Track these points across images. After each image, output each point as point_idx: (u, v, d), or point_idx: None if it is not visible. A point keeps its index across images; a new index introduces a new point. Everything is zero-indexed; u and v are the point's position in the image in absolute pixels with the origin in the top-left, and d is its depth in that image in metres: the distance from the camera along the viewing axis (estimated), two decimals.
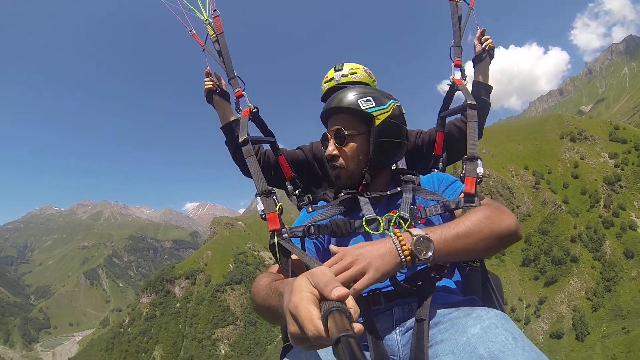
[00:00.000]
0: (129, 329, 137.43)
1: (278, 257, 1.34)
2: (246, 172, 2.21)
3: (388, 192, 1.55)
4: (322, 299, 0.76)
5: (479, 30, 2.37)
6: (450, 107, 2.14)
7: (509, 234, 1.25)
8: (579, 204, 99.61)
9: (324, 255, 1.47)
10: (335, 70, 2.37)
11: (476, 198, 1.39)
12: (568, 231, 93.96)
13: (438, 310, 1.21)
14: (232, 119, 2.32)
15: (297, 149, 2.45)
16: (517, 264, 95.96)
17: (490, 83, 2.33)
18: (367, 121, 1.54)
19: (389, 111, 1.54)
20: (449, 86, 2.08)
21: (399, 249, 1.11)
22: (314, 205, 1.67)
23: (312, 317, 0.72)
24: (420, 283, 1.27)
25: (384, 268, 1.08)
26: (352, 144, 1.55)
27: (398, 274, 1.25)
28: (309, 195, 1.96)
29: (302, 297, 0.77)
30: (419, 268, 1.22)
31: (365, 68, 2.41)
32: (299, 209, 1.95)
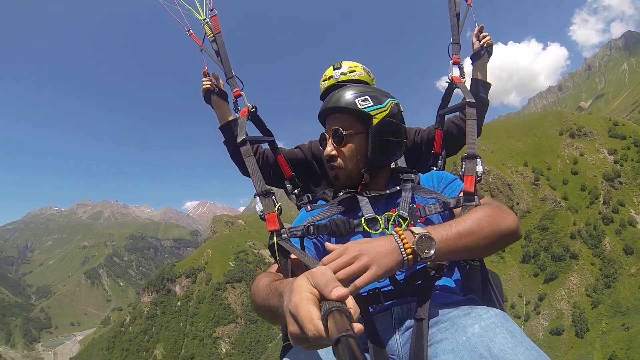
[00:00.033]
0: (130, 328, 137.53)
1: (277, 258, 1.34)
2: (245, 172, 2.20)
3: (387, 191, 1.54)
4: (322, 299, 0.76)
5: (477, 27, 2.35)
6: (449, 105, 2.12)
7: (510, 233, 1.26)
8: (579, 201, 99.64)
9: (324, 255, 1.39)
10: (334, 69, 2.36)
11: (476, 196, 1.39)
12: (568, 228, 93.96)
13: (437, 310, 1.21)
14: (230, 118, 2.31)
15: (295, 148, 2.44)
16: (517, 261, 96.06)
17: (489, 80, 2.31)
18: (365, 121, 1.53)
19: (387, 110, 1.53)
20: (447, 84, 2.06)
21: (401, 247, 1.10)
22: (313, 205, 1.66)
23: (312, 317, 0.72)
24: (419, 282, 1.27)
25: (386, 265, 1.08)
26: (350, 144, 1.54)
27: (397, 273, 1.25)
28: (308, 195, 1.96)
29: (302, 297, 0.77)
30: (418, 267, 1.22)
31: (364, 66, 2.40)
32: (299, 208, 1.95)
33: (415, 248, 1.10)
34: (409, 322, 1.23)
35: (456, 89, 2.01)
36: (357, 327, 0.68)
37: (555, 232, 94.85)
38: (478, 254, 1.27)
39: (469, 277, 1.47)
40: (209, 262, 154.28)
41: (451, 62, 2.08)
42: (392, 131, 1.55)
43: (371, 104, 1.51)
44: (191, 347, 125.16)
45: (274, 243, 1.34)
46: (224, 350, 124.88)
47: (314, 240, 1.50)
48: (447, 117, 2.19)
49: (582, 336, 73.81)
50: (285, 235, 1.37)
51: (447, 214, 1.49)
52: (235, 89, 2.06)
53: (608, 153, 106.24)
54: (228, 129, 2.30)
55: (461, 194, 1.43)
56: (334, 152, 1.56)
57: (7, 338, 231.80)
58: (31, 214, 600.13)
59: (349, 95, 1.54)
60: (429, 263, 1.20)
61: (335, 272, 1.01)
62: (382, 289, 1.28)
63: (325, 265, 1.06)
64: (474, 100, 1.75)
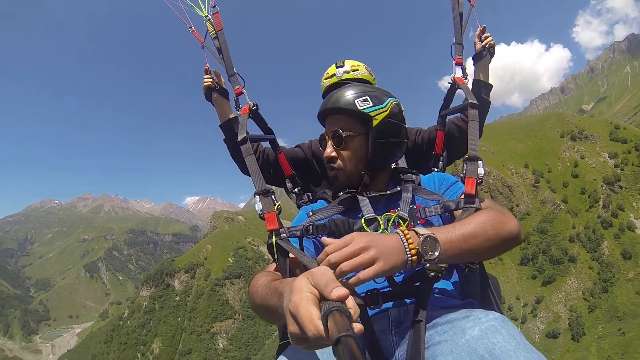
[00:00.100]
0: (128, 322, 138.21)
1: (276, 257, 1.33)
2: (245, 171, 2.17)
3: (388, 192, 1.53)
4: (322, 299, 0.76)
5: (480, 28, 2.33)
6: (451, 106, 2.09)
7: (512, 237, 1.26)
8: (578, 204, 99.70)
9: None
10: (337, 67, 2.34)
11: (476, 199, 1.38)
12: (567, 231, 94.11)
13: (435, 312, 1.21)
14: (231, 116, 2.30)
15: (296, 147, 2.43)
16: (516, 263, 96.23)
17: (491, 80, 2.29)
18: (365, 122, 1.50)
19: (387, 110, 1.51)
20: (450, 84, 2.03)
21: (406, 247, 1.09)
22: (313, 206, 1.65)
23: (312, 317, 0.72)
24: (418, 284, 1.26)
25: (392, 262, 1.06)
26: (350, 146, 1.52)
27: (396, 274, 1.25)
28: (309, 194, 1.96)
29: (302, 297, 0.77)
30: (417, 268, 1.19)
31: (366, 66, 2.38)
32: (298, 207, 1.93)
33: (419, 249, 1.09)
34: (406, 324, 1.23)
35: (458, 90, 2.00)
36: (357, 327, 0.68)
37: (554, 235, 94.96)
38: (480, 257, 1.27)
39: (467, 280, 1.46)
40: (208, 258, 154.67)
41: (454, 62, 2.06)
42: (392, 132, 1.53)
43: (371, 104, 1.49)
44: (189, 342, 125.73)
45: (272, 242, 1.33)
46: (221, 345, 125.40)
47: (313, 240, 1.48)
48: (448, 118, 2.16)
49: (578, 340, 74.01)
50: (284, 234, 1.36)
51: (448, 215, 1.48)
52: (236, 87, 2.04)
53: (609, 157, 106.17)
54: (228, 127, 2.29)
55: (462, 196, 1.41)
56: (333, 154, 1.54)
57: (5, 330, 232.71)
58: (32, 206, 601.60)
59: (348, 95, 1.51)
60: (429, 265, 1.19)
61: (339, 262, 1.02)
62: (380, 290, 1.26)
63: (329, 253, 1.05)
64: (476, 102, 1.73)
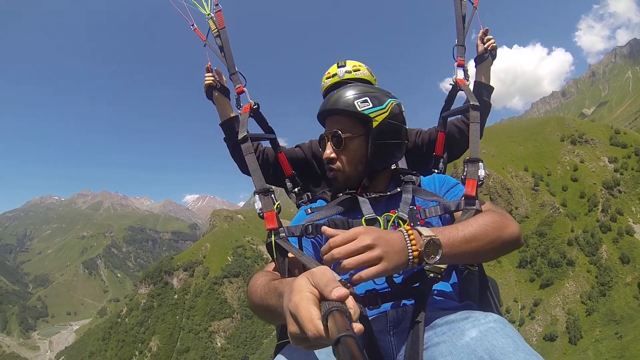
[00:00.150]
0: (127, 319, 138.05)
1: (275, 256, 1.32)
2: (244, 170, 2.21)
3: (388, 193, 1.52)
4: (322, 299, 0.76)
5: (482, 30, 2.34)
6: (452, 107, 2.09)
7: (513, 240, 1.26)
8: (577, 208, 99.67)
9: (322, 254, 1.36)
10: (338, 67, 2.34)
11: (477, 201, 1.38)
12: (565, 234, 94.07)
13: (434, 314, 1.20)
14: (231, 115, 2.30)
15: (296, 147, 2.43)
16: (514, 265, 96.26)
17: (492, 83, 2.29)
18: (365, 123, 1.49)
19: (387, 111, 1.50)
20: (451, 86, 2.05)
21: (409, 247, 1.08)
22: (312, 206, 1.62)
23: (312, 317, 0.71)
24: (417, 285, 1.25)
25: (395, 262, 1.05)
26: (349, 147, 1.51)
27: (395, 275, 1.25)
28: (308, 194, 1.96)
29: (302, 297, 0.76)
30: (416, 269, 1.18)
31: (367, 66, 2.39)
32: (298, 207, 1.93)
33: (422, 251, 1.08)
34: (404, 325, 1.22)
35: (459, 92, 2.01)
36: (357, 327, 0.68)
37: (552, 238, 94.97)
38: (481, 259, 1.27)
39: (466, 282, 1.45)
40: (207, 256, 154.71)
41: (455, 64, 2.07)
42: (392, 133, 1.52)
43: (371, 105, 1.48)
44: (187, 340, 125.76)
45: (271, 241, 1.32)
46: (219, 344, 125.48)
47: (313, 240, 1.48)
48: (449, 119, 2.16)
49: (576, 343, 74.03)
50: (284, 234, 1.35)
51: (447, 217, 1.48)
52: (238, 85, 2.04)
53: (608, 161, 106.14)
54: (229, 126, 2.29)
55: (462, 197, 1.41)
56: (332, 155, 1.53)
57: (3, 326, 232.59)
58: (31, 202, 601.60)
59: (348, 96, 1.50)
60: (428, 266, 1.18)
61: (343, 258, 1.01)
62: (379, 291, 1.26)
63: (332, 247, 1.04)
64: (478, 104, 1.73)
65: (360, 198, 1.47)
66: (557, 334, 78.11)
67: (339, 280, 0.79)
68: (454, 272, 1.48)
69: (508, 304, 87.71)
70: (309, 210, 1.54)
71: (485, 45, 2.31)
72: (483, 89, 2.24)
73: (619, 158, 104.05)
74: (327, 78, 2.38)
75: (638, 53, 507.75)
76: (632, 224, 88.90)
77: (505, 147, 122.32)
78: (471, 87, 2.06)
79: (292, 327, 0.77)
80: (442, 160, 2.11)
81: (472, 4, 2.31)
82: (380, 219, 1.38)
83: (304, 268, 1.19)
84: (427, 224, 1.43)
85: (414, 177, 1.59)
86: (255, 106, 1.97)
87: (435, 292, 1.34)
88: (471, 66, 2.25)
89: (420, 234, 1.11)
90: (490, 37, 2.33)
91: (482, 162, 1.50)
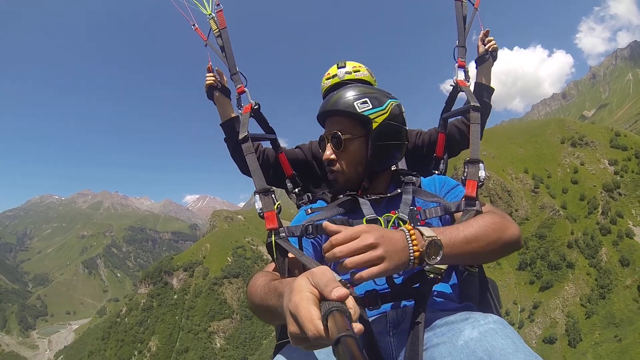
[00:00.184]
0: (126, 319, 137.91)
1: (275, 256, 1.32)
2: (244, 170, 2.22)
3: (388, 194, 1.52)
4: (322, 299, 0.76)
5: (483, 32, 2.34)
6: (453, 108, 2.08)
7: (513, 242, 1.26)
8: (577, 210, 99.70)
9: (322, 255, 1.37)
10: (338, 67, 2.34)
11: (477, 201, 1.38)
12: (565, 237, 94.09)
13: (434, 314, 1.20)
14: (232, 115, 2.30)
15: (296, 148, 2.43)
16: (514, 268, 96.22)
17: (493, 84, 2.29)
18: (364, 124, 1.49)
19: (387, 112, 1.49)
20: (452, 87, 2.03)
21: (410, 247, 1.08)
22: (313, 206, 1.63)
23: (312, 317, 0.71)
24: (417, 285, 1.25)
25: (397, 262, 1.05)
26: (349, 148, 1.51)
27: (395, 275, 1.25)
28: (309, 194, 1.96)
29: (302, 297, 0.76)
30: (416, 269, 1.17)
31: (367, 67, 2.39)
32: (298, 207, 1.93)
33: (423, 252, 1.08)
34: (404, 326, 1.22)
35: (460, 93, 2.00)
36: (357, 327, 0.68)
37: (552, 241, 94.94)
38: (481, 260, 1.27)
39: (466, 284, 1.45)
40: (207, 257, 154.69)
41: (456, 65, 2.06)
42: (392, 134, 1.52)
43: (370, 106, 1.48)
44: (186, 341, 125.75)
45: (271, 241, 1.32)
46: (218, 345, 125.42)
47: (313, 240, 1.48)
48: (449, 120, 2.16)
49: (575, 346, 74.02)
50: (284, 234, 1.34)
51: (448, 218, 1.48)
52: (239, 85, 2.04)
53: (609, 163, 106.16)
54: (229, 126, 2.29)
55: (463, 198, 1.41)
56: (332, 156, 1.53)
57: (2, 324, 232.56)
58: (31, 201, 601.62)
59: (347, 97, 1.50)
60: (428, 267, 1.17)
61: (345, 257, 1.01)
62: (379, 291, 1.25)
63: (334, 244, 1.03)
64: (478, 105, 1.72)
65: (360, 199, 1.47)
66: (556, 336, 78.07)
67: (339, 281, 0.79)
68: (453, 273, 1.47)
69: (507, 307, 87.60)
70: (309, 211, 1.55)
71: (486, 47, 2.31)
72: (483, 90, 2.23)
73: (619, 160, 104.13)
74: (327, 79, 2.37)
75: (639, 55, 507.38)
76: (632, 227, 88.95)
77: (505, 149, 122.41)
78: (472, 88, 2.06)
79: (292, 327, 0.77)
80: (442, 161, 2.10)
81: (473, 5, 2.30)
82: (381, 219, 1.38)
83: (303, 268, 1.19)
84: (427, 225, 1.43)
85: (414, 178, 1.59)
86: (256, 106, 1.96)
87: (435, 293, 1.34)
88: (472, 67, 2.24)
89: (422, 234, 1.10)
90: (491, 38, 2.33)
91: (482, 163, 1.49)
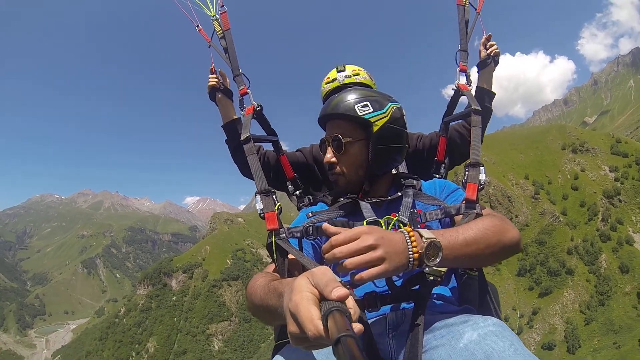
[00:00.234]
0: (124, 320, 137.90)
1: (275, 257, 1.33)
2: (245, 172, 2.22)
3: (389, 197, 1.53)
4: (322, 299, 0.76)
5: (485, 36, 2.35)
6: (454, 112, 2.10)
7: (512, 245, 1.26)
8: (577, 216, 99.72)
9: (321, 257, 1.34)
10: (338, 71, 2.34)
11: (477, 205, 1.38)
12: (565, 243, 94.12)
13: (433, 317, 1.20)
14: (233, 117, 2.30)
15: (297, 151, 2.44)
16: (513, 274, 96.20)
17: (494, 89, 2.29)
18: (365, 127, 1.50)
19: (387, 115, 1.50)
20: (453, 91, 2.05)
21: (410, 248, 1.08)
22: (313, 209, 1.64)
23: (312, 317, 0.71)
24: (416, 287, 1.26)
25: (396, 264, 1.05)
26: (350, 151, 1.52)
27: (395, 277, 1.26)
28: (309, 197, 2.00)
29: (302, 296, 0.76)
30: (415, 271, 1.17)
31: (367, 71, 2.39)
32: (299, 209, 1.94)
33: (422, 253, 1.08)
34: (403, 328, 1.22)
35: (461, 97, 2.01)
36: (357, 327, 0.67)
37: (552, 247, 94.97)
38: (480, 262, 1.27)
39: (465, 287, 1.45)
40: (206, 259, 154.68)
41: (458, 69, 2.08)
42: (393, 137, 1.52)
43: (371, 109, 1.48)
44: (184, 343, 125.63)
45: (272, 242, 1.33)
46: (216, 347, 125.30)
47: (312, 242, 1.48)
48: (450, 124, 2.17)
49: (574, 352, 73.99)
50: (284, 235, 1.35)
51: (448, 221, 1.48)
52: (241, 87, 2.05)
53: (609, 170, 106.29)
54: (231, 128, 2.28)
55: (463, 201, 1.41)
56: (333, 159, 1.54)
57: (0, 322, 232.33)
58: (32, 200, 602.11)
59: (348, 100, 1.51)
60: (428, 269, 1.18)
61: (344, 258, 1.01)
62: (378, 293, 1.26)
63: (334, 245, 1.03)
64: (479, 108, 1.73)
65: (361, 202, 1.47)
66: (555, 343, 78.07)
67: (339, 281, 0.79)
68: (453, 277, 1.48)
69: (507, 312, 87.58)
70: (310, 214, 1.55)
71: (488, 51, 2.31)
72: (485, 95, 2.21)
73: (619, 167, 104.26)
74: (326, 83, 2.38)
75: None
76: (632, 234, 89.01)
77: (506, 154, 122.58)
78: (473, 92, 2.07)
79: (292, 327, 0.77)
80: (443, 165, 2.11)
81: (475, 9, 2.31)
82: (382, 221, 1.39)
83: (303, 269, 1.19)
84: (427, 228, 1.38)
85: (414, 182, 1.59)
86: (259, 108, 1.97)
87: (435, 296, 1.34)
88: (473, 72, 2.23)
89: (421, 235, 1.11)
90: (493, 42, 2.33)
91: (483, 166, 1.49)
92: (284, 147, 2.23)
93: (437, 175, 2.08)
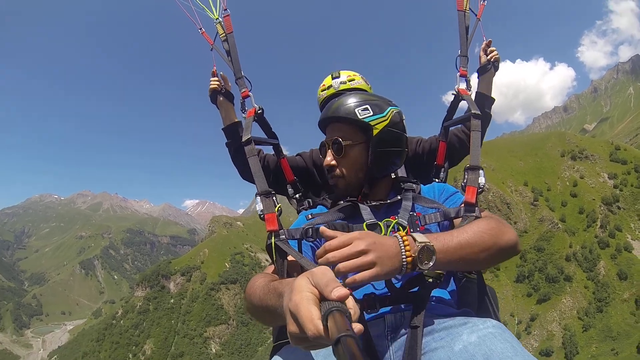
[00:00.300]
0: (121, 322, 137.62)
1: (274, 258, 1.33)
2: (245, 175, 2.27)
3: (388, 201, 1.54)
4: (322, 299, 0.76)
5: (485, 42, 2.37)
6: (454, 117, 2.11)
7: (509, 247, 1.26)
8: (576, 223, 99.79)
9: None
10: (333, 78, 2.36)
11: (476, 208, 1.38)
12: (563, 250, 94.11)
13: (432, 319, 1.20)
14: (234, 120, 2.32)
15: (297, 155, 2.45)
16: (511, 280, 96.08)
17: (494, 96, 2.29)
18: (365, 131, 1.51)
19: (387, 119, 1.52)
20: (453, 96, 2.05)
21: (403, 253, 1.09)
22: (313, 212, 1.64)
23: (312, 317, 0.71)
24: (415, 289, 1.26)
25: (389, 268, 1.06)
26: (350, 155, 1.53)
27: (394, 279, 1.27)
28: (309, 200, 2.01)
29: (302, 296, 0.76)
30: (414, 273, 1.19)
31: (362, 75, 2.41)
32: (299, 213, 1.95)
33: (415, 257, 1.09)
34: (403, 330, 1.22)
35: (461, 103, 2.02)
36: (357, 327, 0.67)
37: (550, 254, 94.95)
38: (476, 266, 1.28)
39: (464, 290, 1.45)
40: (204, 262, 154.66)
41: (458, 74, 2.08)
42: (392, 141, 1.54)
43: (371, 113, 1.50)
44: (181, 345, 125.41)
45: (271, 243, 1.34)
46: (213, 350, 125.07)
47: (312, 244, 1.48)
48: (450, 129, 2.19)
49: (571, 359, 73.81)
50: (284, 236, 1.36)
51: (447, 224, 1.48)
52: (243, 90, 2.05)
53: (608, 177, 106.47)
54: (231, 131, 2.31)
55: (462, 204, 1.42)
56: (333, 162, 1.55)
57: None
58: (30, 200, 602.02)
59: (349, 104, 1.52)
60: (425, 271, 1.18)
61: (337, 262, 1.02)
62: (377, 295, 1.27)
63: (327, 250, 1.05)
64: (479, 112, 1.74)
65: (360, 205, 1.49)
66: (553, 349, 77.84)
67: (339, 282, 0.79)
68: (452, 280, 1.49)
69: (505, 319, 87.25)
70: (310, 217, 1.55)
71: (488, 57, 2.31)
72: (484, 100, 2.21)
73: (618, 174, 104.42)
74: (322, 90, 2.39)
75: None
76: (631, 241, 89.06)
77: (505, 161, 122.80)
78: (473, 97, 2.09)
79: (292, 327, 0.77)
80: (443, 169, 2.12)
81: (476, 15, 2.33)
82: (381, 224, 1.39)
83: (302, 270, 1.18)
84: (427, 231, 1.43)
85: (414, 185, 1.61)
86: (260, 111, 1.98)
87: (434, 298, 1.35)
88: (473, 78, 2.26)
89: (415, 239, 1.11)
90: (494, 48, 2.34)
91: (482, 169, 1.50)
92: (284, 152, 2.22)
93: (437, 180, 2.07)
